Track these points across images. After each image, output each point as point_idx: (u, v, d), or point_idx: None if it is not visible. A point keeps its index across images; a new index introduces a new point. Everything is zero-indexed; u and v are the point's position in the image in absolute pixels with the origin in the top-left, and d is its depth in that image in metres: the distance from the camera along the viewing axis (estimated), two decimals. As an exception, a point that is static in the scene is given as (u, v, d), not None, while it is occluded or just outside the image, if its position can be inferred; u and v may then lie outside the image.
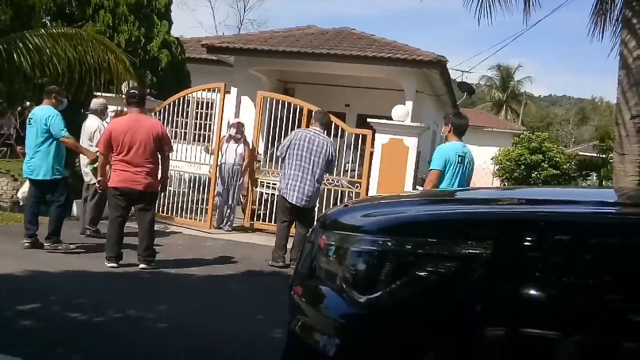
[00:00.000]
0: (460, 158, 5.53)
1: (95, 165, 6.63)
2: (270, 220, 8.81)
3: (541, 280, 1.84)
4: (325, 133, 6.93)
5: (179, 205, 9.18)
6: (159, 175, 6.21)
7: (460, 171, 5.54)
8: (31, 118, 6.56)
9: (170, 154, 6.34)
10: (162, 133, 6.08)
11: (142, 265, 5.99)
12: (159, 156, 6.10)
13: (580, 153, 26.38)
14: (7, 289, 4.88)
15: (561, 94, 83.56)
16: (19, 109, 12.70)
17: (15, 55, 7.90)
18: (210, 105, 9.27)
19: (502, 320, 1.83)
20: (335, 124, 8.39)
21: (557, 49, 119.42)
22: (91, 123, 7.51)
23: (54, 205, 6.43)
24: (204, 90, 9.32)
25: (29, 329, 3.98)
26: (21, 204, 6.93)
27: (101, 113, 7.65)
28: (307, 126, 7.45)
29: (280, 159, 7.00)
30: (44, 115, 6.41)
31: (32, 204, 6.55)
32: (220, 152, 8.85)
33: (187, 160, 9.22)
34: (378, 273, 1.99)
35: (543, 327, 1.79)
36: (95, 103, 7.71)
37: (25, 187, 6.98)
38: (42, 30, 8.33)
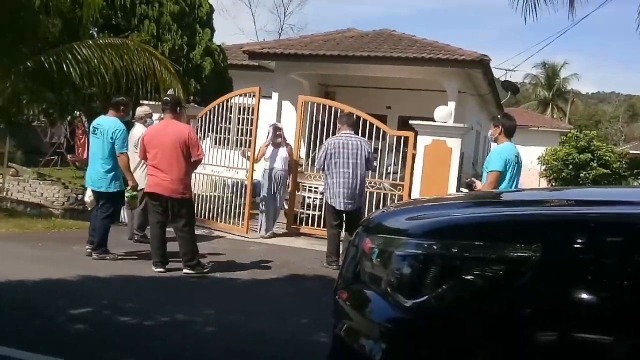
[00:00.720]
0: (516, 158, 5.55)
1: (134, 193, 6.58)
2: (313, 224, 8.83)
3: (592, 283, 1.79)
4: (354, 132, 6.97)
5: (220, 210, 9.23)
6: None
7: (516, 172, 5.51)
8: (96, 128, 6.50)
9: (200, 159, 6.25)
10: (189, 138, 6.01)
11: (185, 270, 6.04)
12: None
13: (631, 151, 25.63)
14: (60, 294, 5.03)
15: (610, 90, 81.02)
16: (69, 118, 13.09)
17: (64, 66, 8.17)
18: (250, 110, 9.33)
19: (552, 325, 1.78)
20: (376, 126, 8.38)
21: (605, 45, 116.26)
22: (137, 131, 7.67)
23: (99, 215, 6.47)
24: (239, 95, 9.38)
25: (81, 333, 4.09)
26: (89, 208, 7.00)
27: (145, 120, 7.81)
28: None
29: (319, 170, 7.05)
30: (112, 128, 6.40)
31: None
32: (264, 158, 8.89)
33: (226, 165, 9.26)
34: (424, 277, 1.97)
35: (594, 331, 1.74)
36: (139, 111, 7.90)
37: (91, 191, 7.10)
38: (90, 41, 8.60)
